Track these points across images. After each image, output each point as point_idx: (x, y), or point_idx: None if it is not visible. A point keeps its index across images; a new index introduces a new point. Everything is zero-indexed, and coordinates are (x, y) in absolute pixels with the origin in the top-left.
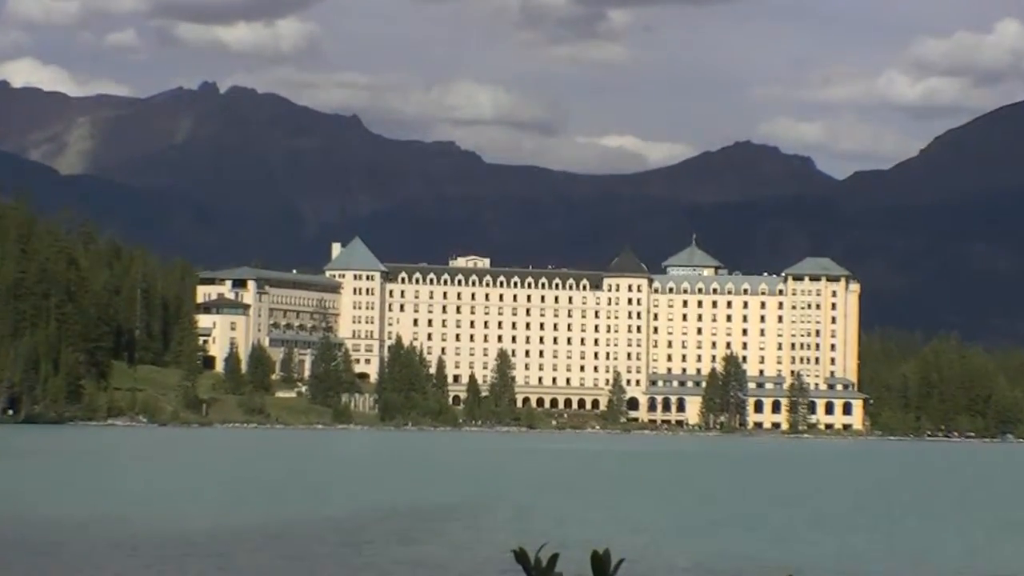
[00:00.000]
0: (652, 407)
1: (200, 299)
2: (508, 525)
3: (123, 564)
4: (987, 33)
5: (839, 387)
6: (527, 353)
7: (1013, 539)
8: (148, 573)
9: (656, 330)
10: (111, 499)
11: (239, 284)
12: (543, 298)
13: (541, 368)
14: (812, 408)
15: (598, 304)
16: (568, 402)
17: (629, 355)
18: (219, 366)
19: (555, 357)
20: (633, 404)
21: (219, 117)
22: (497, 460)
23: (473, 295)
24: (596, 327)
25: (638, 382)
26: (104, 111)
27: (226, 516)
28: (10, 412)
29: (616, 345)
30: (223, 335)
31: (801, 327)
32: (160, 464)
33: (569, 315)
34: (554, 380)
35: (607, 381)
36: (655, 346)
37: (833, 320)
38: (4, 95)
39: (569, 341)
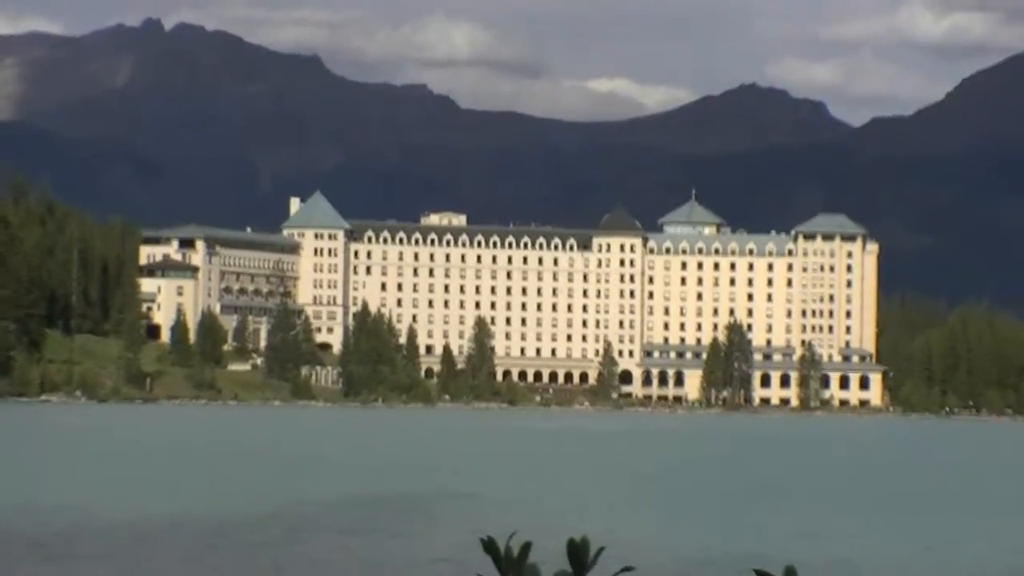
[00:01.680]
0: (647, 381)
1: (143, 261)
2: (474, 517)
3: (32, 563)
4: None
5: (855, 359)
6: (508, 321)
7: None
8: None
9: (651, 295)
10: (34, 486)
11: (186, 244)
12: (525, 259)
13: (523, 338)
14: (825, 382)
15: (587, 266)
16: (553, 376)
17: (621, 323)
18: (165, 336)
19: (539, 325)
20: (626, 378)
21: (163, 58)
22: (473, 441)
23: (447, 256)
24: (584, 292)
25: (631, 353)
26: (34, 51)
27: (155, 506)
28: None
29: (607, 312)
30: (169, 301)
31: (813, 292)
32: (94, 446)
33: (554, 278)
34: (538, 351)
35: (597, 352)
36: (650, 313)
37: (848, 284)
38: None
39: (554, 308)
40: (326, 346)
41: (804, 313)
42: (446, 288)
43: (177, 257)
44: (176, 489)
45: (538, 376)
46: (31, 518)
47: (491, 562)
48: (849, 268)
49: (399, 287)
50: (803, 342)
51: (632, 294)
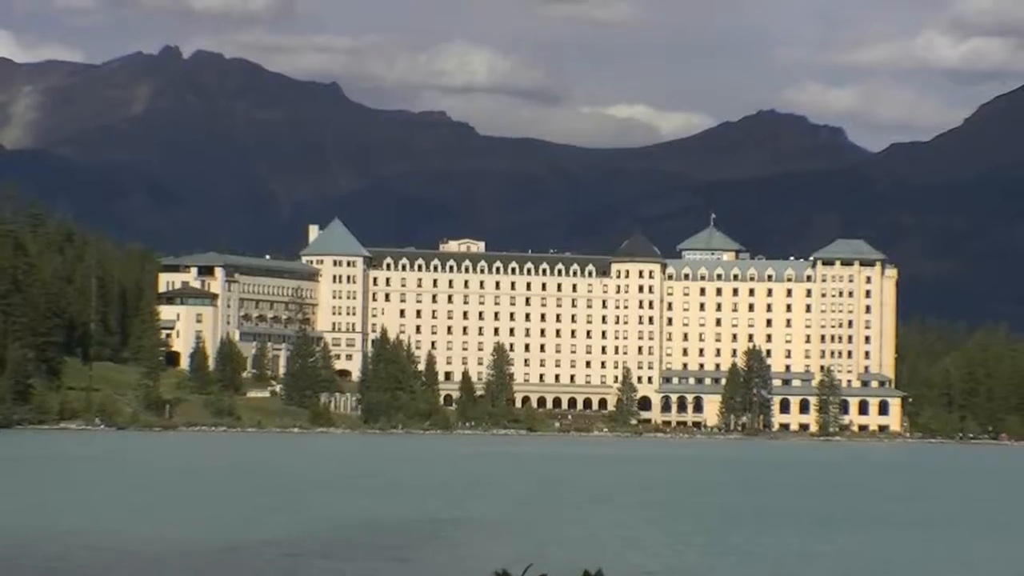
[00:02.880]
0: (666, 407)
1: (162, 288)
2: (491, 545)
3: None
4: None
5: (874, 384)
6: (526, 347)
7: None
8: None
9: (670, 321)
10: (54, 512)
11: (205, 272)
12: (544, 286)
13: (542, 364)
14: (844, 408)
15: (605, 293)
16: (572, 402)
17: (640, 349)
18: (183, 363)
19: (558, 352)
20: (645, 404)
21: (182, 86)
22: (492, 467)
23: (466, 283)
24: (603, 318)
25: (650, 379)
26: (53, 79)
27: (172, 530)
28: None
29: (626, 338)
30: (188, 329)
31: (832, 317)
32: (113, 474)
33: (573, 305)
34: (557, 377)
35: (616, 379)
36: (669, 339)
37: (867, 309)
38: None
39: (573, 334)
40: (345, 373)
41: (823, 339)
42: (465, 315)
43: (196, 284)
44: (192, 515)
45: (557, 403)
46: (45, 544)
47: None
48: (868, 293)
49: (418, 314)
50: (822, 368)
51: (651, 320)
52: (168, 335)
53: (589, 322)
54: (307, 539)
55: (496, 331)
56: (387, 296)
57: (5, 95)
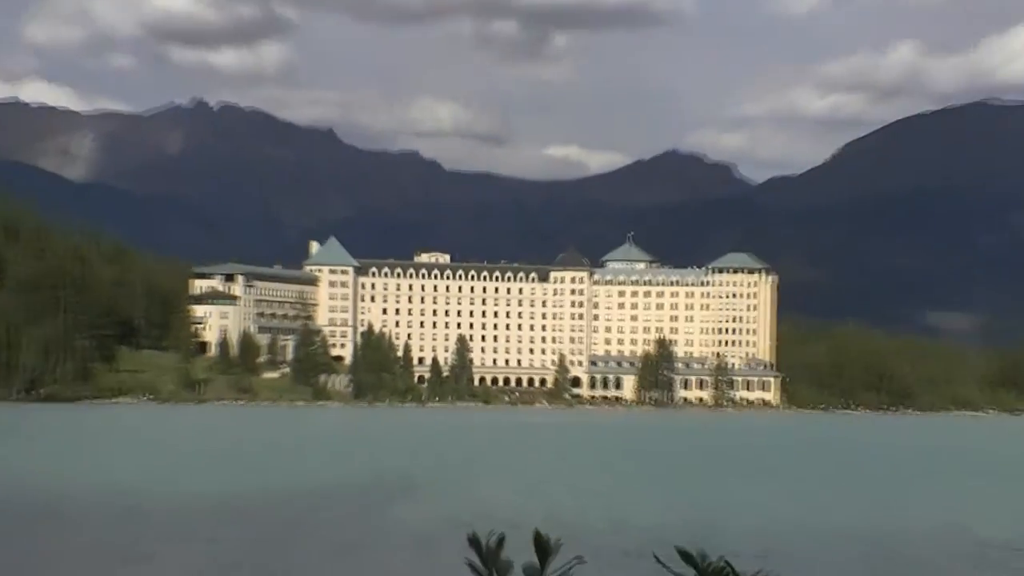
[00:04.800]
0: (593, 385)
1: (195, 291)
2: (450, 496)
3: (124, 530)
4: (884, 54)
5: (757, 367)
6: (483, 338)
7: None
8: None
9: (596, 317)
10: (114, 471)
11: (229, 279)
12: (496, 289)
13: (495, 351)
14: (733, 385)
15: (545, 295)
16: (519, 380)
17: (572, 339)
18: (212, 350)
19: (507, 341)
20: (576, 382)
21: (209, 130)
22: (456, 433)
23: (435, 287)
24: (543, 315)
25: (580, 363)
26: (106, 125)
27: (193, 487)
28: (30, 392)
29: (561, 330)
30: (215, 323)
31: (723, 314)
32: (159, 439)
33: (519, 304)
34: (507, 361)
35: (553, 362)
36: (595, 331)
37: (752, 308)
38: (18, 111)
39: (520, 327)
40: (339, 358)
41: (716, 331)
42: (434, 312)
43: (221, 288)
44: (223, 469)
45: (507, 381)
46: (120, 495)
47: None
48: (753, 295)
49: (397, 311)
50: (716, 354)
51: (581, 316)
52: (199, 328)
53: (532, 318)
54: (308, 487)
55: (459, 325)
56: (372, 297)
57: (68, 138)
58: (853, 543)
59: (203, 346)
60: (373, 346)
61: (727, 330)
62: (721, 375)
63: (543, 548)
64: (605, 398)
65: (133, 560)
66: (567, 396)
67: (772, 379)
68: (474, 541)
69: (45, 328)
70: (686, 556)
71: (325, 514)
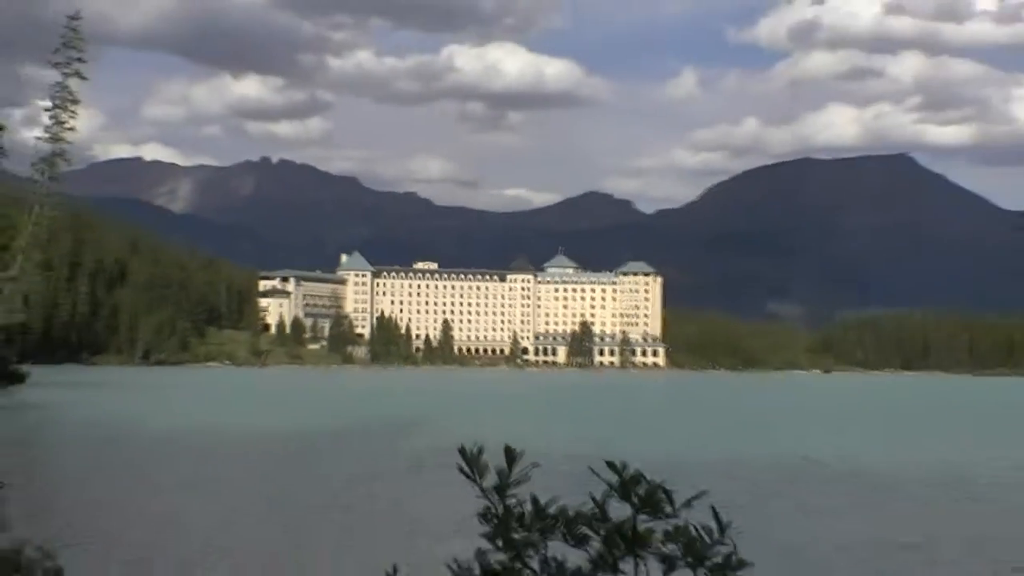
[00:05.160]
0: (536, 353)
1: (261, 289)
2: (442, 428)
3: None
4: (737, 125)
5: (650, 340)
6: (460, 321)
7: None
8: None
9: (539, 306)
10: (200, 413)
11: (284, 280)
12: (470, 287)
13: (469, 330)
14: (634, 353)
15: (503, 291)
16: (486, 350)
17: (522, 321)
18: (272, 330)
19: (478, 323)
20: (525, 351)
21: (271, 178)
22: (447, 385)
23: (428, 286)
24: (502, 305)
25: (528, 338)
26: (200, 175)
27: (258, 423)
28: (145, 359)
29: (514, 316)
30: (275, 311)
31: (627, 304)
32: (236, 390)
33: (486, 297)
34: (477, 337)
35: (509, 337)
36: (538, 316)
37: (646, 300)
38: (140, 165)
39: (486, 313)
40: (360, 335)
41: (622, 316)
42: (427, 303)
43: (279, 287)
44: (287, 409)
45: (477, 351)
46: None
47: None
48: (647, 291)
49: (401, 303)
50: (622, 331)
51: (528, 306)
52: (264, 314)
53: (494, 307)
54: (338, 426)
55: (444, 312)
56: (384, 293)
57: (175, 184)
58: (719, 465)
59: (266, 327)
60: (384, 327)
61: (629, 315)
62: (625, 346)
63: (510, 456)
64: (545, 362)
65: (202, 480)
66: (518, 361)
67: (661, 349)
68: (462, 451)
69: (157, 314)
70: (611, 466)
71: (350, 442)
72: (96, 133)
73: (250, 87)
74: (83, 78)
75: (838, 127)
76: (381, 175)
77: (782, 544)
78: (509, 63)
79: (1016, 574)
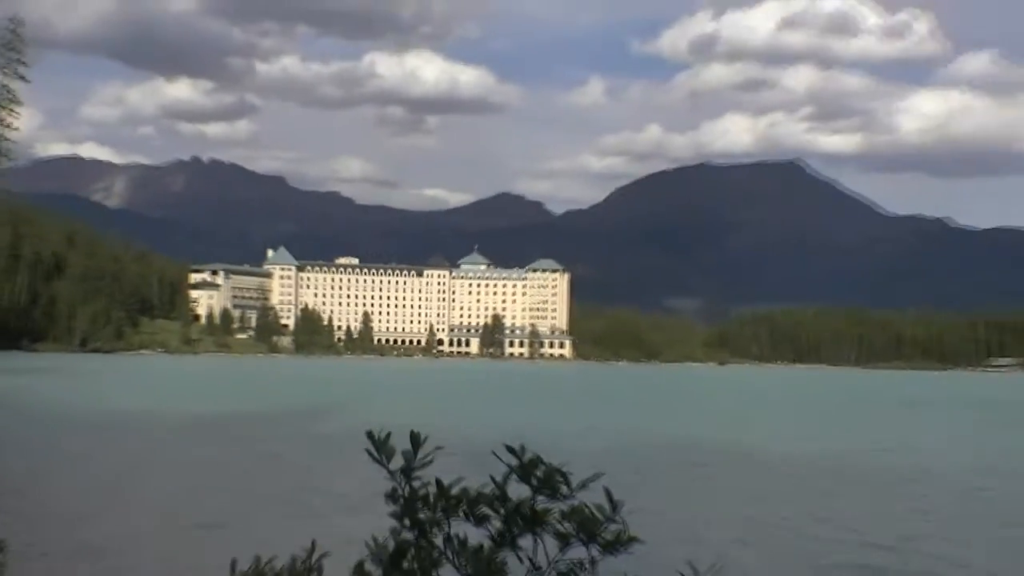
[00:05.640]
0: (451, 344)
1: (192, 281)
2: (357, 413)
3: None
4: (640, 131)
5: (558, 333)
6: (379, 313)
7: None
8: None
9: (454, 300)
10: (134, 397)
11: (214, 273)
12: (389, 282)
13: (388, 321)
14: (543, 345)
15: (420, 285)
16: (403, 341)
17: (438, 314)
18: (202, 320)
19: (396, 315)
20: (440, 342)
21: (202, 177)
22: (363, 374)
23: (349, 280)
24: (419, 298)
25: (443, 329)
26: (134, 172)
27: (186, 408)
28: (82, 346)
29: (431, 309)
30: (204, 302)
31: (536, 299)
32: (167, 377)
33: (404, 291)
34: (395, 328)
35: (425, 329)
36: (453, 309)
37: (554, 295)
38: (78, 163)
39: (404, 306)
40: (286, 326)
41: (532, 309)
42: (348, 296)
43: (209, 280)
44: (210, 398)
45: (396, 341)
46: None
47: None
48: (555, 287)
49: (324, 295)
50: (531, 324)
51: (444, 299)
52: (194, 305)
53: (412, 300)
54: (262, 409)
55: (364, 304)
56: (307, 286)
57: (110, 181)
58: (608, 437)
59: (196, 317)
60: (308, 318)
61: (538, 309)
62: (534, 338)
63: (415, 441)
64: (459, 353)
65: (143, 460)
66: (434, 351)
67: (567, 341)
68: (369, 435)
69: (92, 304)
70: (511, 450)
71: (273, 426)
72: (36, 132)
73: (182, 90)
74: (25, 80)
75: (734, 135)
76: (306, 175)
77: (672, 522)
78: (427, 70)
79: (870, 547)
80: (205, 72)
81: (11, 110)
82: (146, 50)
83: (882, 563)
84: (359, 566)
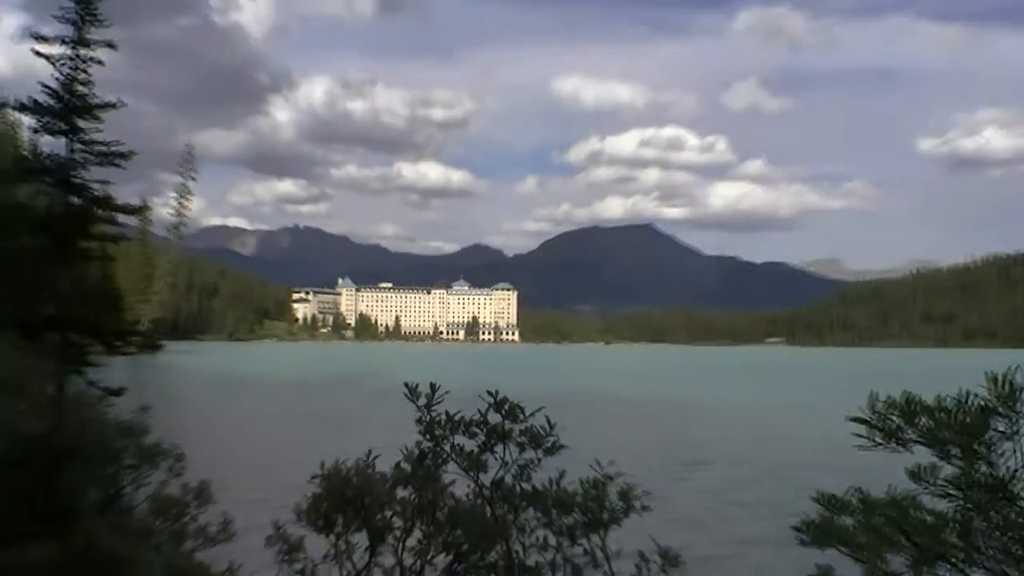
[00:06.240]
0: (447, 334)
1: (294, 298)
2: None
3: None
4: (557, 208)
5: (511, 327)
6: (405, 316)
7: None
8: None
9: (449, 308)
10: (261, 366)
11: (307, 293)
12: (410, 298)
13: (411, 321)
14: (502, 334)
15: (429, 300)
16: (419, 332)
17: (440, 316)
18: (300, 321)
19: (415, 317)
20: (441, 333)
21: (299, 236)
22: (395, 353)
23: (387, 297)
24: (429, 307)
25: (443, 326)
26: (260, 234)
27: (293, 373)
28: (229, 337)
29: (435, 313)
30: (301, 311)
31: (498, 307)
32: (283, 355)
33: (419, 303)
34: (415, 325)
35: (432, 326)
36: (449, 314)
37: (509, 305)
38: (226, 229)
39: (420, 312)
40: (349, 324)
41: (495, 313)
42: (386, 306)
43: (304, 297)
44: (306, 367)
45: (414, 332)
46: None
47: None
48: (510, 301)
49: (372, 306)
50: (495, 322)
51: (443, 308)
52: (295, 312)
53: (424, 309)
54: (334, 373)
55: (396, 311)
56: (362, 301)
57: (245, 239)
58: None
59: (296, 319)
60: (363, 319)
61: (499, 313)
62: (497, 331)
63: (433, 389)
64: (452, 339)
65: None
66: (437, 339)
67: (517, 331)
68: (406, 384)
69: (235, 312)
70: (490, 393)
71: (345, 382)
72: (200, 211)
73: (287, 186)
74: (194, 179)
75: (613, 208)
76: (359, 234)
77: (582, 437)
78: (431, 172)
79: (687, 466)
80: (300, 174)
81: (187, 198)
82: (266, 162)
83: (693, 457)
84: (397, 465)
